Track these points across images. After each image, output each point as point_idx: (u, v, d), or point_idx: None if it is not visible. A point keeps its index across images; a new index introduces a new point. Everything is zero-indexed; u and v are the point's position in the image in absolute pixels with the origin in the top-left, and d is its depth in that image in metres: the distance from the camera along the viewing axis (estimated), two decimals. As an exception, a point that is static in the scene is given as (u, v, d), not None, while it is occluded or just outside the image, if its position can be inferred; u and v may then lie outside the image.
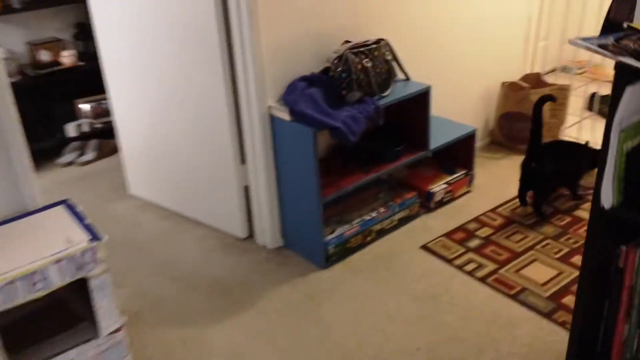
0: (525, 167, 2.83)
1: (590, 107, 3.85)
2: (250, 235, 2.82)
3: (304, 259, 2.63)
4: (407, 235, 2.75)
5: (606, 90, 3.69)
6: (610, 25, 1.58)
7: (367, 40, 2.53)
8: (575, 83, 3.53)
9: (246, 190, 2.74)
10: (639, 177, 1.10)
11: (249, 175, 2.67)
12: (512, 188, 3.06)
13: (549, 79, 3.58)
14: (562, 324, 2.15)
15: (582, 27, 3.38)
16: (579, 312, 1.30)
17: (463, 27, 3.16)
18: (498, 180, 3.17)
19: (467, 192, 3.07)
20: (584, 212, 2.82)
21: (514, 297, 2.31)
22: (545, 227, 2.73)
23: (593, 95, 3.87)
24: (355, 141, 2.37)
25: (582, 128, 3.51)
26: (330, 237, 2.54)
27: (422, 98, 2.68)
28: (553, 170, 2.79)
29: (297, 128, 2.36)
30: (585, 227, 2.66)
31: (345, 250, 2.61)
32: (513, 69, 3.60)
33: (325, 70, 2.53)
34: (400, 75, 2.72)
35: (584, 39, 1.05)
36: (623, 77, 1.04)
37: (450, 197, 2.99)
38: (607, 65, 3.96)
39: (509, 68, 3.58)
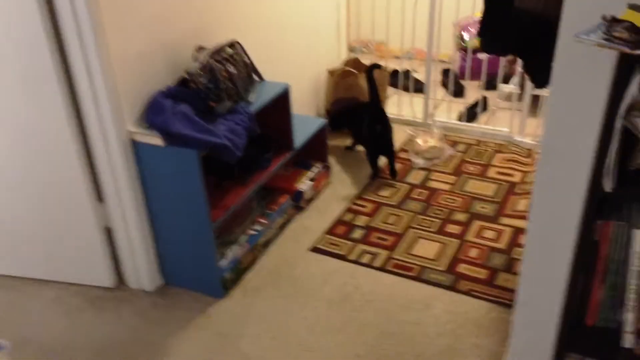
0: (372, 133, 3.01)
1: (394, 84, 4.13)
2: (121, 282, 2.43)
3: (195, 292, 2.37)
4: (291, 240, 2.66)
5: (394, 65, 4.02)
6: (518, 12, 1.69)
7: (221, 44, 2.32)
8: (365, 61, 3.74)
9: (108, 231, 2.34)
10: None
11: (110, 213, 2.28)
12: (364, 170, 3.17)
13: (365, 60, 3.75)
14: (467, 293, 2.31)
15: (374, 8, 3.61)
16: (572, 284, 1.39)
17: (286, 22, 3.11)
18: (348, 166, 3.24)
19: (329, 183, 3.08)
20: (434, 182, 3.05)
21: (416, 278, 2.40)
22: (411, 204, 2.88)
23: (395, 72, 4.16)
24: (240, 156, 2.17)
25: (401, 104, 3.77)
26: (224, 262, 2.31)
27: (282, 98, 2.57)
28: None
29: (175, 152, 2.08)
30: (443, 195, 2.90)
31: (239, 272, 2.41)
32: (332, 56, 3.69)
33: (183, 82, 2.26)
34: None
35: (585, 35, 1.08)
36: (628, 67, 1.10)
37: (316, 193, 2.96)
38: (390, 43, 4.31)
39: (329, 56, 3.66)
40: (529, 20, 1.75)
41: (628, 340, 1.42)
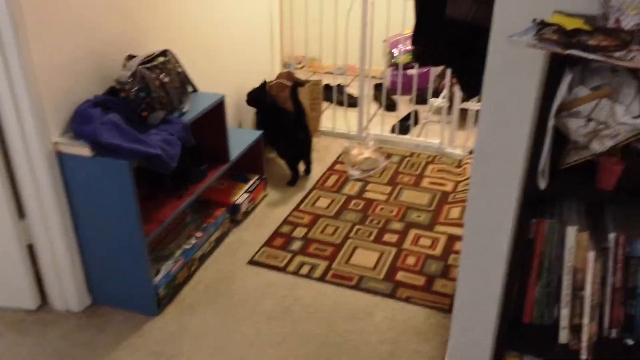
0: (298, 141, 3.13)
1: (328, 99, 4.16)
2: (45, 303, 2.28)
3: (127, 311, 2.25)
4: (228, 254, 2.59)
5: (328, 80, 4.06)
6: (451, 21, 1.73)
7: (152, 53, 2.26)
8: (299, 76, 3.75)
9: (30, 249, 2.20)
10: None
11: (33, 230, 2.14)
12: (300, 185, 3.15)
13: (299, 75, 3.76)
14: (406, 300, 2.32)
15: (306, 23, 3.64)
16: (509, 283, 1.42)
17: (219, 34, 3.07)
18: (283, 178, 3.21)
19: (265, 196, 3.04)
20: (370, 193, 3.07)
21: (356, 287, 2.39)
22: (348, 214, 2.89)
23: (328, 86, 4.19)
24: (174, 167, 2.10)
25: (335, 117, 3.80)
26: (158, 278, 2.22)
27: (217, 109, 2.52)
28: None
29: (104, 163, 1.98)
30: (379, 206, 2.92)
31: (174, 288, 2.32)
32: (266, 70, 3.67)
33: (113, 92, 2.17)
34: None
35: (518, 37, 1.12)
36: (558, 68, 1.14)
37: (252, 206, 2.91)
38: (323, 59, 4.35)
39: (263, 69, 3.64)
40: (459, 30, 1.80)
41: (564, 336, 1.46)
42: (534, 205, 1.40)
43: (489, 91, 1.51)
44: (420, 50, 2.09)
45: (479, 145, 1.58)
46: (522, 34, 1.15)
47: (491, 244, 1.61)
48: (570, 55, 1.06)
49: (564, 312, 1.43)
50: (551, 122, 1.18)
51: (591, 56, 1.04)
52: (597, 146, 1.25)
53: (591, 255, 1.34)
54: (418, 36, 1.96)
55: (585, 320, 1.42)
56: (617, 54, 1.04)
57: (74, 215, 2.13)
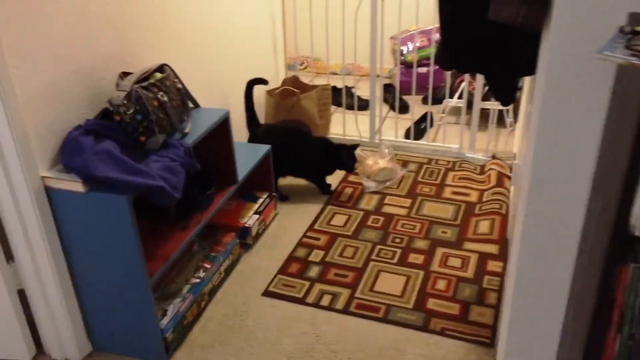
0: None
1: (337, 102, 3.93)
2: (41, 352, 2.06)
3: (132, 358, 2.03)
4: (240, 284, 2.37)
5: (334, 81, 3.80)
6: (496, 24, 1.49)
7: (149, 69, 2.02)
8: (303, 78, 3.50)
9: (21, 295, 1.97)
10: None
11: (23, 275, 1.92)
12: (312, 200, 2.92)
13: (304, 78, 3.52)
14: (441, 333, 2.09)
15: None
16: (590, 339, 1.19)
17: (219, 42, 2.84)
18: (294, 194, 2.99)
19: (276, 215, 2.81)
20: (389, 207, 2.84)
21: (384, 319, 2.16)
22: (367, 232, 2.66)
23: (335, 89, 3.96)
24: (179, 197, 1.87)
25: (345, 122, 3.57)
26: (165, 321, 1.99)
27: (222, 126, 2.29)
28: None
29: (100, 198, 1.75)
30: (400, 221, 2.68)
31: (183, 329, 2.09)
32: (270, 76, 3.43)
33: (106, 115, 1.94)
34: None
35: (609, 51, 0.89)
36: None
37: (263, 227, 2.68)
38: (329, 59, 4.12)
39: (267, 76, 3.39)
40: (499, 34, 1.56)
41: (649, 397, 1.23)
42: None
43: (547, 109, 1.27)
44: (448, 55, 1.86)
45: (535, 171, 1.35)
46: (609, 46, 0.92)
47: (548, 291, 1.38)
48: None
49: (653, 373, 1.20)
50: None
51: None
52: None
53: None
54: (448, 42, 1.72)
55: (676, 379, 1.19)
56: None
57: (68, 256, 1.90)
